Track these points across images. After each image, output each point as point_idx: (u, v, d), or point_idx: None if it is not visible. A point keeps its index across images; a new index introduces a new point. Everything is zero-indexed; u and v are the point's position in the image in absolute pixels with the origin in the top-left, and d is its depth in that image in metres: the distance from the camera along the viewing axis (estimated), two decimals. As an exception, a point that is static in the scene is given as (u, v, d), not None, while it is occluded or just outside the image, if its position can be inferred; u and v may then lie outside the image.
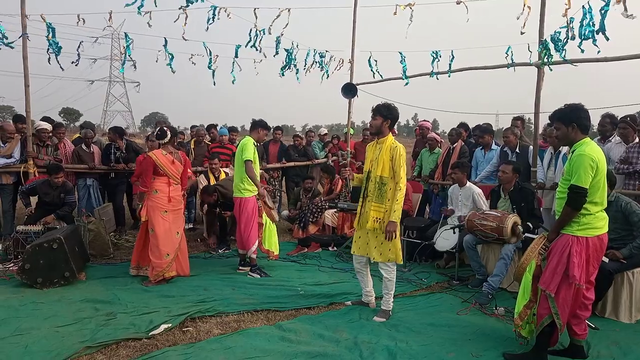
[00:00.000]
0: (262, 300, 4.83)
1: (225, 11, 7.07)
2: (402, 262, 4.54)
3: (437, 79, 7.42)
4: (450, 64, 7.16)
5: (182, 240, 5.55)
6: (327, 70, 8.79)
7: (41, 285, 4.97)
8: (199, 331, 4.07)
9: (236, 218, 5.89)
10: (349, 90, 8.78)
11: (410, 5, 7.10)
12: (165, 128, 5.49)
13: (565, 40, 5.75)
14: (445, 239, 5.94)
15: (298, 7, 7.48)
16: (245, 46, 7.59)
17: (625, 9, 5.13)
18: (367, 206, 4.41)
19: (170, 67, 7.21)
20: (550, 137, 6.28)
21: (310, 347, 3.77)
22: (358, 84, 8.81)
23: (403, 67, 7.76)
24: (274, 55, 8.09)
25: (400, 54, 7.80)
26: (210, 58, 7.57)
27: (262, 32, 7.55)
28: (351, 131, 9.49)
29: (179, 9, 6.71)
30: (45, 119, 7.81)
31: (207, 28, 7.01)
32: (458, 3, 6.67)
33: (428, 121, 9.24)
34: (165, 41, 7.12)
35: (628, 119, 5.69)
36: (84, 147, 7.50)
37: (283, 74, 8.46)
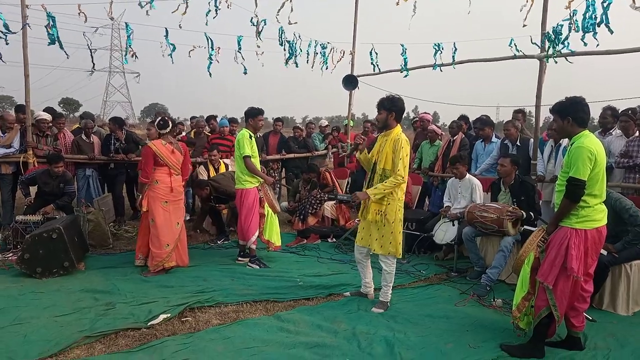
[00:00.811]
0: (261, 290, 4.84)
1: (226, 1, 7.03)
2: (401, 256, 4.53)
3: (441, 70, 7.40)
4: (453, 56, 7.13)
5: (182, 230, 5.56)
6: (326, 61, 8.76)
7: (40, 275, 4.99)
8: (198, 321, 4.08)
9: (237, 209, 5.90)
10: (350, 82, 8.76)
11: (413, -4, 7.07)
12: (166, 118, 5.48)
13: (568, 33, 5.72)
14: (444, 231, 5.95)
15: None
16: (256, 35, 7.54)
17: (634, 1, 5.09)
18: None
19: (171, 58, 7.18)
20: (551, 130, 6.26)
21: (309, 337, 3.79)
22: (359, 76, 8.79)
23: (404, 59, 7.73)
24: (280, 45, 8.07)
25: (402, 46, 7.77)
26: (212, 49, 7.53)
27: (263, 23, 7.52)
28: (351, 123, 9.48)
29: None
30: (48, 109, 7.79)
31: (207, 22, 6.99)
32: (460, -6, 6.63)
33: (429, 113, 9.21)
34: (167, 32, 7.09)
35: (629, 112, 5.68)
36: (83, 137, 7.49)
37: (287, 65, 8.45)
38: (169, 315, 4.11)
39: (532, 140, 6.50)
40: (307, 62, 8.57)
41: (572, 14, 5.63)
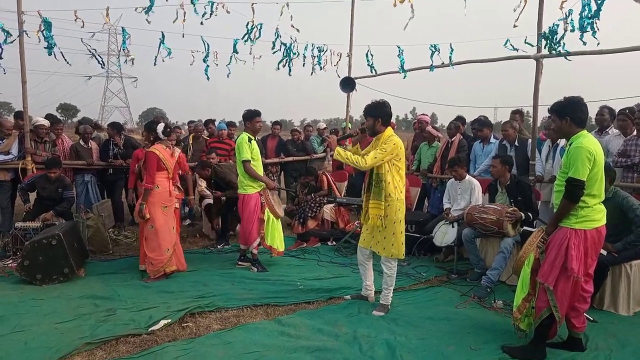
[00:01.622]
0: (261, 295, 4.84)
1: (223, 7, 7.05)
2: (403, 257, 4.52)
3: (432, 71, 7.41)
4: (450, 57, 7.13)
5: (177, 235, 5.60)
6: (320, 62, 8.78)
7: (40, 282, 4.98)
8: (198, 326, 4.07)
9: (239, 214, 5.91)
10: (348, 84, 8.76)
11: (410, -2, 7.06)
12: (166, 124, 5.56)
13: (563, 32, 5.74)
14: (443, 233, 5.95)
15: (296, 1, 7.45)
16: (243, 40, 7.57)
17: None
18: (369, 203, 4.41)
19: (163, 60, 7.21)
20: (548, 130, 6.27)
21: (310, 341, 3.78)
22: (356, 78, 8.80)
23: (400, 60, 7.74)
24: (273, 51, 8.10)
25: (398, 47, 7.78)
26: (207, 52, 7.54)
27: (259, 27, 7.54)
28: (349, 125, 9.48)
29: (180, 6, 6.69)
30: (49, 116, 7.80)
31: (202, 22, 6.97)
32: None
33: (427, 115, 9.22)
34: (163, 36, 7.09)
35: (627, 111, 5.69)
36: (82, 142, 7.48)
37: (278, 68, 8.47)
38: (169, 320, 4.10)
39: (530, 140, 6.50)
40: (304, 66, 8.59)
41: (567, 14, 5.65)
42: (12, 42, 6.10)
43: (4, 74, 6.28)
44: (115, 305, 4.44)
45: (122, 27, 6.95)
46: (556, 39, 5.83)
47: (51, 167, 6.26)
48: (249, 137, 5.66)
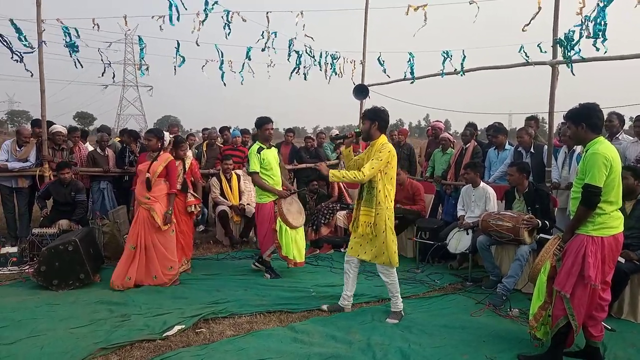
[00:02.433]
0: (274, 301, 4.84)
1: (238, 14, 7.13)
2: (397, 265, 4.45)
3: (443, 77, 7.39)
4: (462, 64, 7.11)
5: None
6: (334, 69, 8.83)
7: (57, 287, 5.04)
8: (212, 332, 4.09)
9: (256, 222, 5.98)
10: (361, 92, 8.76)
11: (423, 7, 7.07)
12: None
13: (579, 38, 5.68)
14: (458, 240, 5.90)
15: (310, 10, 7.51)
16: (262, 50, 7.66)
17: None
18: (359, 211, 4.41)
19: (178, 66, 7.31)
20: (564, 137, 6.21)
21: (323, 348, 3.77)
22: (370, 85, 8.80)
23: (410, 66, 7.75)
24: (289, 58, 8.19)
25: (410, 54, 7.79)
26: (222, 60, 7.63)
27: (274, 35, 7.61)
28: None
29: (196, 15, 6.79)
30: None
31: (226, 35, 7.12)
32: (471, 3, 6.63)
33: (441, 121, 9.19)
34: (178, 44, 7.19)
35: (644, 117, 5.60)
36: (98, 150, 7.58)
37: (290, 78, 8.62)
38: (183, 326, 4.12)
39: (546, 147, 6.43)
40: (320, 70, 8.65)
41: (584, 20, 5.60)
42: (32, 52, 6.22)
43: (32, 76, 6.39)
44: (129, 311, 4.48)
45: (139, 36, 7.05)
46: (571, 45, 5.77)
47: (62, 168, 6.38)
48: (259, 147, 5.64)
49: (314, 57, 8.51)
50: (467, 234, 5.79)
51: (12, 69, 33.19)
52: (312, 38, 8.12)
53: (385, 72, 8.35)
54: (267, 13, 7.51)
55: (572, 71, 5.80)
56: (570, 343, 3.62)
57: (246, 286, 5.34)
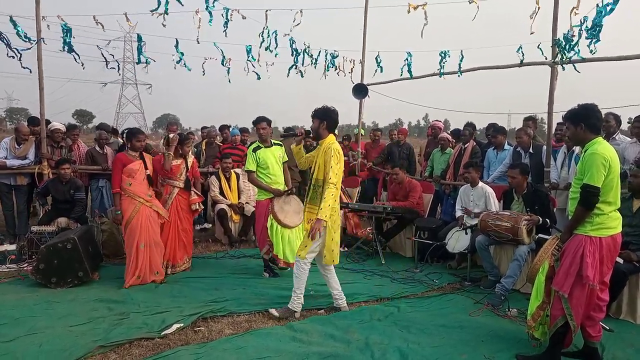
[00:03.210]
0: (273, 300, 4.84)
1: (238, 12, 7.12)
2: (338, 263, 4.51)
3: (444, 79, 7.42)
4: (459, 64, 7.11)
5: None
6: (334, 65, 8.84)
7: (55, 285, 5.03)
8: (210, 331, 4.09)
9: None
10: (360, 91, 8.76)
11: (423, 5, 7.07)
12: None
13: (578, 39, 5.69)
14: (456, 240, 5.90)
15: (310, 8, 7.52)
16: (265, 49, 7.66)
17: None
18: (305, 207, 4.46)
19: (185, 65, 7.29)
20: (563, 137, 6.22)
21: (322, 347, 3.77)
22: (369, 85, 8.80)
23: (408, 64, 7.76)
24: (293, 57, 8.20)
25: (408, 53, 7.79)
26: (223, 57, 7.64)
27: (274, 34, 7.61)
28: (362, 132, 9.47)
29: (195, 12, 6.77)
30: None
31: (225, 33, 7.10)
32: (470, 2, 6.63)
33: (440, 121, 9.19)
34: (177, 41, 7.18)
35: (643, 118, 5.61)
36: (97, 148, 7.57)
37: (288, 75, 8.64)
38: (182, 324, 4.12)
39: (544, 147, 6.44)
40: (315, 68, 8.66)
41: (582, 21, 5.60)
42: (30, 49, 6.20)
43: (30, 72, 6.39)
44: (128, 309, 4.48)
45: (138, 34, 7.03)
46: (570, 45, 5.77)
47: (62, 164, 6.39)
48: (255, 146, 5.65)
49: (311, 57, 8.50)
50: (466, 233, 5.79)
51: (11, 66, 33.12)
52: (308, 45, 8.15)
53: (381, 71, 8.38)
54: (267, 11, 7.51)
55: (575, 68, 5.80)
56: (569, 343, 3.63)
57: (245, 285, 5.34)
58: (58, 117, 8.41)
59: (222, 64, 7.69)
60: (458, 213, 6.24)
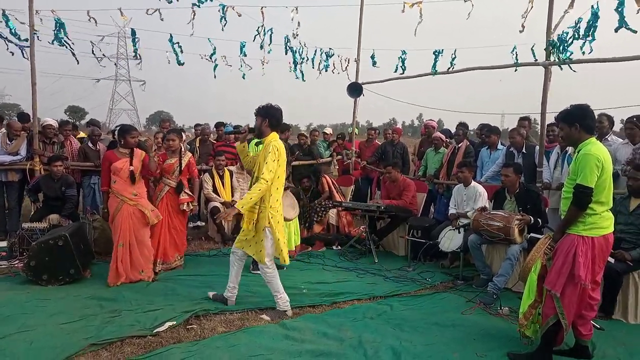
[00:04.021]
0: (266, 298, 4.82)
1: (233, 9, 7.11)
2: (287, 263, 4.51)
3: (434, 76, 7.43)
4: (452, 62, 7.13)
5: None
6: (327, 66, 8.83)
7: (46, 282, 4.99)
8: (203, 329, 4.07)
9: None
10: (355, 90, 8.77)
11: (419, 3, 7.09)
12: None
13: (572, 40, 5.72)
14: (449, 239, 5.92)
15: (305, 5, 7.53)
16: (260, 46, 7.65)
17: None
18: None
19: (177, 61, 7.26)
20: (556, 138, 6.26)
21: (315, 345, 3.77)
22: (364, 83, 8.81)
23: (402, 61, 7.78)
24: (286, 53, 8.19)
25: (403, 52, 7.81)
26: (214, 51, 7.62)
27: (269, 31, 7.61)
28: (356, 130, 9.49)
29: (192, 6, 6.75)
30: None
31: (223, 29, 7.13)
32: (465, 1, 6.65)
33: (434, 120, 9.22)
34: (171, 37, 7.16)
35: (634, 119, 5.65)
36: (90, 144, 7.52)
37: (294, 70, 8.60)
38: (174, 322, 4.10)
39: (537, 147, 6.47)
40: (312, 67, 8.66)
41: (577, 21, 5.63)
42: (25, 46, 6.15)
43: (27, 58, 6.34)
44: (120, 307, 4.45)
45: (132, 29, 7.00)
46: (564, 46, 5.81)
47: (55, 161, 6.33)
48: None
49: (305, 57, 8.50)
50: (459, 232, 5.81)
51: (3, 61, 32.78)
52: (304, 44, 8.15)
53: (375, 65, 8.39)
54: (262, 8, 7.49)
55: (571, 68, 5.83)
56: (560, 341, 3.65)
57: (238, 283, 5.32)
58: (50, 113, 8.35)
59: (211, 58, 7.67)
60: (452, 211, 6.26)
